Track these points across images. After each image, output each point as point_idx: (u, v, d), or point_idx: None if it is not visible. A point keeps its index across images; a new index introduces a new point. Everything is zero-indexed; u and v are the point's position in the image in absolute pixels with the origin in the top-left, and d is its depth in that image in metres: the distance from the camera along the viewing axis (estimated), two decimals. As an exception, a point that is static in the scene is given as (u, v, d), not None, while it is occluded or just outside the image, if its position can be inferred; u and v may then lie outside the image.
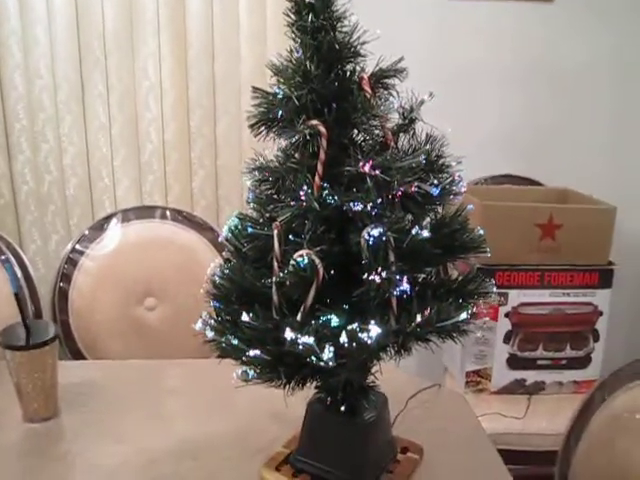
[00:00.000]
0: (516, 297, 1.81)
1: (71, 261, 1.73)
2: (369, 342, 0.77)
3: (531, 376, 1.88)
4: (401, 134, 0.93)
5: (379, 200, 0.79)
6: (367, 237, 0.78)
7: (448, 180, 0.87)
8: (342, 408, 0.98)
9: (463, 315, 0.82)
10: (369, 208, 0.79)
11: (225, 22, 1.98)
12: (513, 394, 1.87)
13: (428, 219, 0.86)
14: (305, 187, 0.82)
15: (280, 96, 0.85)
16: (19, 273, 1.64)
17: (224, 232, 0.93)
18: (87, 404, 1.28)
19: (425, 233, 0.83)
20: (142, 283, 1.76)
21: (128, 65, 1.98)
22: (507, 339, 1.84)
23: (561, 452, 1.27)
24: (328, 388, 0.98)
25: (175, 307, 1.77)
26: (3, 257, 1.64)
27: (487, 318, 1.81)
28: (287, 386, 0.87)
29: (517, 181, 2.22)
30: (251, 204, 0.93)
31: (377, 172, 0.79)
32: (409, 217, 0.84)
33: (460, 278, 0.92)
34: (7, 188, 2.03)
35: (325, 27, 0.85)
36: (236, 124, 2.07)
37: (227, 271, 0.90)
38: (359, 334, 0.78)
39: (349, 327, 0.79)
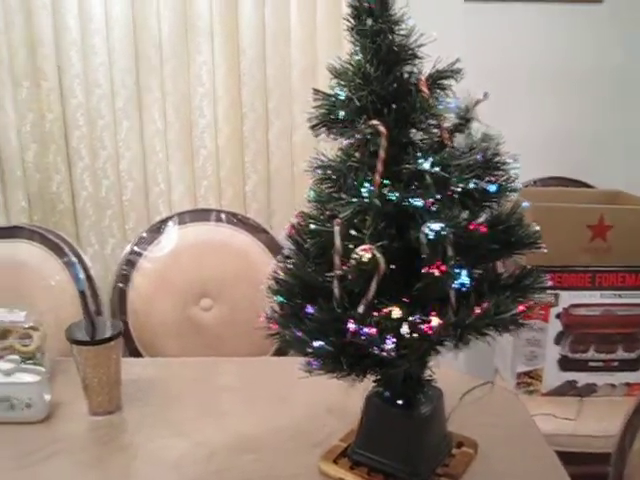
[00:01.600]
0: (567, 298, 1.81)
1: (130, 262, 1.79)
2: (429, 333, 0.79)
3: (582, 378, 1.87)
4: (457, 133, 0.95)
5: (438, 196, 0.82)
6: (427, 232, 0.81)
7: (504, 177, 0.89)
8: (400, 401, 1.01)
9: (520, 308, 0.84)
10: (429, 204, 0.82)
11: (276, 29, 2.03)
12: (564, 396, 1.87)
13: (485, 215, 0.89)
14: (367, 184, 0.85)
15: (342, 97, 0.88)
16: (82, 275, 1.70)
17: (286, 229, 0.96)
18: (147, 399, 1.33)
19: (482, 229, 0.86)
20: (198, 284, 1.81)
21: (183, 72, 2.04)
22: (558, 340, 1.84)
23: (615, 451, 1.27)
24: (387, 381, 1.01)
25: (230, 307, 1.82)
26: (66, 259, 1.71)
27: (539, 320, 1.81)
28: (348, 377, 0.90)
29: (567, 183, 2.21)
30: (312, 202, 0.97)
31: (436, 169, 0.82)
32: (466, 213, 0.87)
33: (517, 273, 0.94)
34: (67, 194, 2.11)
35: (384, 30, 0.88)
36: (287, 129, 2.11)
37: (290, 266, 0.93)
38: (420, 325, 0.80)
39: (410, 319, 0.81)
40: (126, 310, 1.79)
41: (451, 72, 0.92)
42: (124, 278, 1.79)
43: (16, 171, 2.07)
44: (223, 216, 1.85)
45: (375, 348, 0.81)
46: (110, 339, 1.25)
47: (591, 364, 1.87)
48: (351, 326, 0.83)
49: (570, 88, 2.23)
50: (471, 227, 0.86)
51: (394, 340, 0.80)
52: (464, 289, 0.83)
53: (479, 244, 0.86)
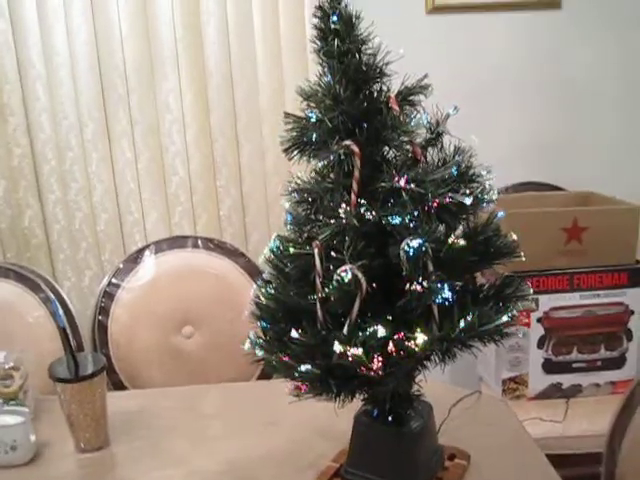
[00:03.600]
0: (547, 302, 1.83)
1: (108, 295, 1.78)
2: (416, 350, 0.80)
3: (567, 380, 1.89)
4: (430, 148, 0.96)
5: (415, 212, 0.82)
6: (407, 249, 0.81)
7: (479, 189, 0.90)
8: (389, 418, 1.01)
9: (504, 318, 0.84)
10: (407, 221, 0.82)
11: (242, 52, 2.03)
12: (550, 399, 1.88)
13: (462, 228, 0.89)
14: (343, 205, 0.85)
15: (313, 119, 0.88)
16: (60, 311, 1.68)
17: (265, 254, 0.96)
18: (134, 432, 1.31)
19: (461, 242, 0.86)
20: (179, 312, 1.80)
21: (150, 101, 2.04)
22: (541, 344, 1.85)
23: (606, 451, 1.27)
24: (375, 399, 1.01)
25: (212, 333, 1.81)
26: (42, 295, 1.69)
27: (520, 325, 1.82)
28: (337, 399, 0.89)
29: (539, 188, 2.24)
30: (289, 226, 0.97)
31: (412, 186, 0.82)
32: (444, 227, 0.87)
33: (497, 283, 0.95)
34: (40, 228, 2.09)
35: (351, 50, 0.89)
36: (259, 151, 2.11)
37: (272, 291, 0.93)
38: (405, 342, 0.80)
39: (395, 336, 0.81)
40: (107, 343, 1.77)
41: (420, 88, 0.92)
42: (103, 311, 1.77)
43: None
44: (200, 242, 1.85)
45: (362, 368, 0.81)
46: (94, 374, 1.23)
47: (575, 365, 1.88)
48: (337, 348, 0.82)
49: (535, 94, 2.26)
50: (449, 241, 0.86)
51: (381, 359, 0.80)
52: (447, 303, 0.83)
53: (458, 257, 0.87)
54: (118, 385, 1.77)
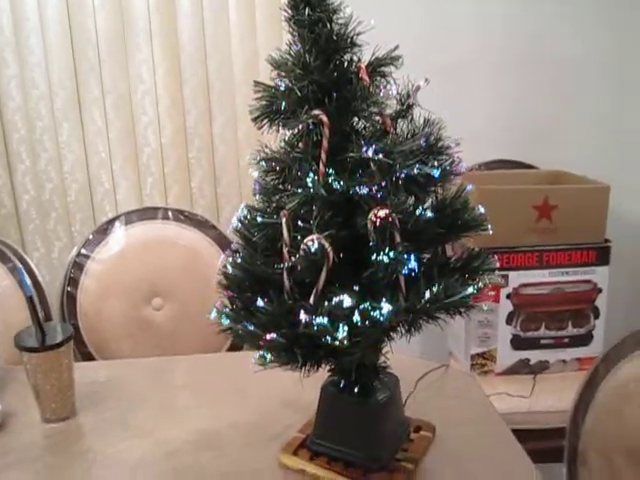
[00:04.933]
0: (516, 278, 1.85)
1: (78, 265, 1.76)
2: (381, 320, 0.80)
3: (535, 356, 1.91)
4: (400, 120, 0.96)
5: (383, 183, 0.82)
6: (374, 219, 0.81)
7: (448, 162, 0.90)
8: (356, 390, 1.01)
9: (470, 290, 0.85)
10: (374, 191, 0.82)
11: (216, 23, 2.01)
12: (518, 374, 1.91)
13: (430, 200, 0.89)
14: (311, 174, 0.85)
15: (282, 88, 0.88)
16: (28, 281, 1.66)
17: (233, 223, 0.96)
18: (102, 402, 1.31)
19: (428, 213, 0.87)
20: (148, 283, 1.79)
21: (122, 70, 2.01)
22: (510, 320, 1.87)
23: (569, 425, 1.29)
24: (341, 370, 1.01)
25: (181, 305, 1.80)
26: (10, 264, 1.67)
27: (490, 301, 1.84)
28: (303, 368, 0.90)
29: (511, 166, 2.25)
30: (257, 195, 0.96)
31: (380, 156, 0.82)
32: (412, 199, 0.87)
33: (464, 256, 0.95)
34: (9, 198, 2.06)
35: (322, 20, 0.88)
36: (232, 122, 2.09)
37: (239, 260, 0.93)
38: (371, 312, 0.81)
39: (361, 306, 0.82)
40: (76, 314, 1.75)
41: (391, 59, 0.92)
42: (72, 282, 1.76)
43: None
44: (170, 214, 1.83)
45: (328, 338, 0.81)
46: (60, 344, 1.22)
47: (543, 342, 1.91)
48: (303, 317, 0.82)
49: (513, 72, 2.26)
50: (417, 212, 0.86)
51: (346, 329, 0.80)
52: (413, 274, 0.83)
53: (426, 229, 0.87)
54: (87, 356, 1.76)
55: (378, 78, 0.93)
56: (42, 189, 2.06)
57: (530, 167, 2.27)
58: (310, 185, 0.85)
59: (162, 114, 2.05)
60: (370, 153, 0.82)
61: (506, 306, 1.86)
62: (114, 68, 1.99)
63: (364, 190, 0.82)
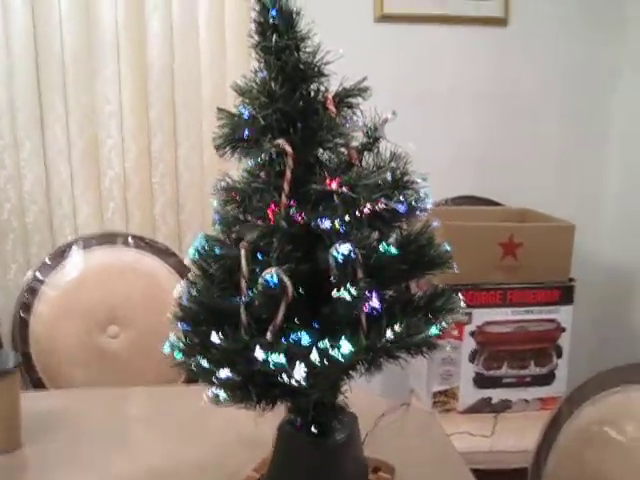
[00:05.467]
0: (480, 316, 1.83)
1: (31, 290, 1.70)
2: (340, 359, 0.77)
3: (497, 394, 1.89)
4: (366, 152, 0.94)
5: (346, 217, 0.79)
6: (335, 254, 0.78)
7: (414, 197, 0.88)
8: (313, 429, 0.97)
9: (433, 330, 0.82)
10: (337, 225, 0.79)
11: (184, 44, 1.99)
12: (480, 413, 1.88)
13: (394, 236, 0.87)
14: (272, 206, 0.82)
15: (245, 116, 0.85)
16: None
17: (190, 253, 0.92)
18: (51, 434, 1.25)
19: (392, 249, 0.84)
20: (105, 310, 1.73)
21: (88, 89, 1.97)
22: (472, 358, 1.85)
23: (531, 467, 1.27)
24: (299, 408, 0.97)
25: (138, 334, 1.74)
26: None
27: (452, 339, 1.82)
28: (258, 407, 0.86)
29: (477, 202, 2.25)
30: (217, 225, 0.93)
31: (344, 189, 0.80)
32: (376, 234, 0.85)
33: (428, 293, 0.93)
34: (-35, 215, 2.00)
35: (289, 47, 0.85)
36: (197, 148, 2.06)
37: (195, 293, 0.89)
38: (330, 351, 0.77)
39: (320, 345, 0.78)
40: (28, 340, 1.69)
41: (358, 90, 0.90)
42: (25, 307, 1.69)
43: None
44: (130, 240, 1.78)
45: (285, 377, 0.78)
46: (5, 373, 1.17)
47: (505, 380, 1.89)
48: (259, 354, 0.79)
49: (480, 107, 2.28)
50: (381, 248, 0.84)
51: (304, 368, 0.77)
52: (375, 312, 0.80)
53: (390, 265, 0.84)
54: (38, 383, 1.69)
55: (345, 109, 0.91)
56: (0, 209, 2.00)
57: (497, 204, 2.27)
58: (271, 216, 0.81)
59: (127, 136, 2.01)
60: (334, 186, 0.79)
61: (469, 344, 1.85)
62: (79, 86, 1.95)
63: (326, 223, 0.79)
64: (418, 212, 0.87)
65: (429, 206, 0.89)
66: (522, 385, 1.90)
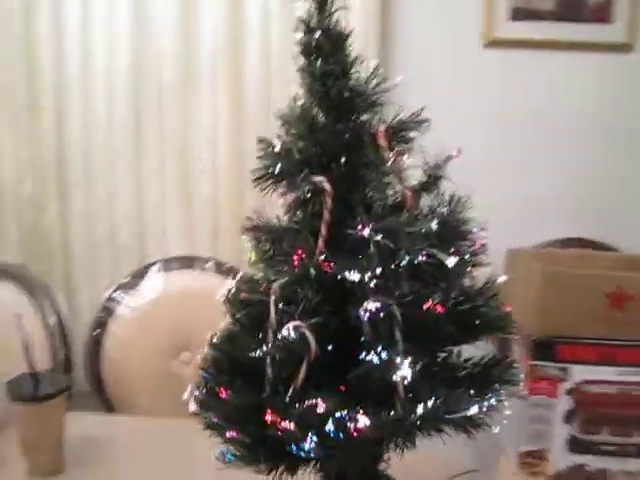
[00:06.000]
0: (578, 373, 1.64)
1: (107, 310, 1.69)
2: (357, 434, 0.66)
3: (594, 462, 1.68)
4: (425, 194, 0.83)
5: (379, 269, 0.69)
6: (363, 312, 0.68)
7: (469, 249, 0.76)
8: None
9: (474, 408, 0.69)
10: (367, 279, 0.69)
11: (281, 74, 1.94)
12: (573, 481, 1.69)
13: (440, 292, 0.75)
14: (300, 251, 0.73)
15: (277, 149, 0.76)
16: (52, 320, 1.61)
17: (223, 293, 0.85)
18: (97, 460, 1.22)
19: (438, 308, 0.73)
20: (179, 335, 1.69)
21: (183, 117, 1.96)
22: (567, 419, 1.66)
23: None
24: (328, 476, 0.87)
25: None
26: (39, 302, 1.62)
27: (544, 395, 1.64)
28: (273, 473, 0.76)
29: (586, 245, 2.05)
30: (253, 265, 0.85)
31: (379, 237, 0.69)
32: (418, 290, 0.73)
33: (484, 361, 0.80)
34: (59, 231, 2.03)
35: (334, 72, 0.76)
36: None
37: (218, 340, 0.81)
38: (348, 424, 0.67)
39: (338, 415, 0.68)
40: (100, 360, 1.68)
41: (415, 123, 0.80)
42: (100, 326, 1.68)
43: (10, 206, 2.00)
44: (211, 264, 1.74)
45: (294, 446, 0.68)
46: (52, 396, 1.15)
47: (604, 447, 1.68)
48: (269, 418, 0.70)
49: (597, 142, 2.08)
50: (424, 307, 0.72)
51: (315, 439, 0.67)
52: (406, 382, 0.69)
53: (433, 327, 0.73)
54: (106, 403, 1.67)
55: (401, 144, 0.81)
56: (94, 227, 2.03)
57: (608, 249, 2.06)
58: (296, 263, 0.72)
59: (219, 163, 1.98)
60: (366, 232, 0.69)
61: (565, 403, 1.66)
62: (175, 113, 1.95)
63: (354, 276, 0.69)
64: (470, 267, 0.75)
65: (485, 261, 0.77)
66: (624, 455, 1.68)
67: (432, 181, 0.83)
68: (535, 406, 1.67)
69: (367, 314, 0.68)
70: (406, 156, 0.81)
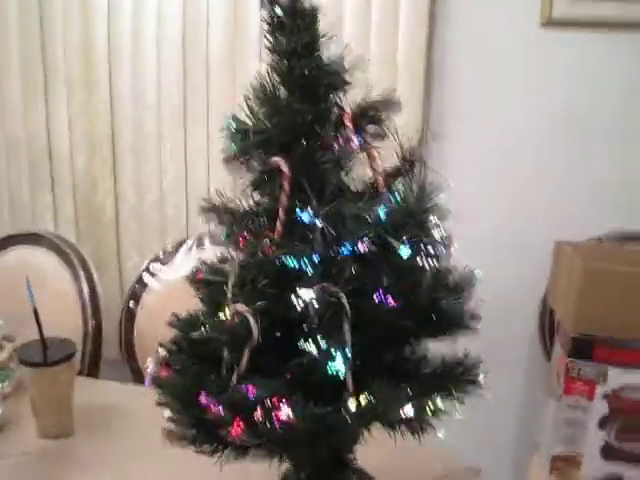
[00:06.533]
0: (617, 377, 1.55)
1: (142, 282, 1.72)
2: (280, 424, 0.64)
3: (630, 473, 1.60)
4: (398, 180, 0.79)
5: (314, 255, 0.66)
6: (296, 298, 0.66)
7: (429, 240, 0.72)
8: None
9: (407, 409, 0.65)
10: (303, 265, 0.66)
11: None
12: (606, 490, 1.60)
13: (394, 284, 0.71)
14: (247, 234, 0.71)
15: (235, 128, 0.74)
16: (86, 289, 1.65)
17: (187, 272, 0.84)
18: (110, 428, 1.26)
19: (390, 301, 0.69)
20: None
21: (229, 90, 1.96)
22: (603, 425, 1.58)
23: None
24: (295, 462, 0.85)
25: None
26: (73, 271, 1.67)
27: (580, 396, 1.56)
28: (220, 455, 0.75)
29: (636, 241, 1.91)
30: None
31: (319, 222, 0.66)
32: (368, 279, 0.70)
33: (447, 358, 0.76)
34: (111, 204, 2.08)
35: (295, 50, 0.73)
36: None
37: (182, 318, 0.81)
38: (274, 412, 0.65)
39: (267, 402, 0.66)
40: (133, 330, 1.72)
41: (382, 104, 0.76)
42: (134, 297, 1.72)
43: (66, 179, 2.07)
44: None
45: (222, 430, 0.67)
46: (59, 361, 1.19)
47: (642, 458, 1.59)
48: (202, 399, 0.68)
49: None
50: (375, 297, 0.69)
51: (241, 424, 0.65)
52: (339, 375, 0.66)
53: (383, 320, 0.70)
54: (136, 375, 1.71)
55: (369, 125, 0.77)
56: (143, 200, 2.06)
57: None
58: (242, 246, 0.71)
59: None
60: (306, 217, 0.66)
61: (600, 407, 1.57)
62: (221, 86, 1.95)
63: (291, 262, 0.66)
64: (428, 258, 0.71)
65: (447, 252, 0.73)
66: (663, 467, 1.58)
67: (407, 166, 0.79)
68: (570, 408, 1.60)
69: (301, 301, 0.65)
70: (377, 139, 0.77)
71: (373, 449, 0.85)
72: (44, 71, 2.00)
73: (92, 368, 1.64)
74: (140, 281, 1.73)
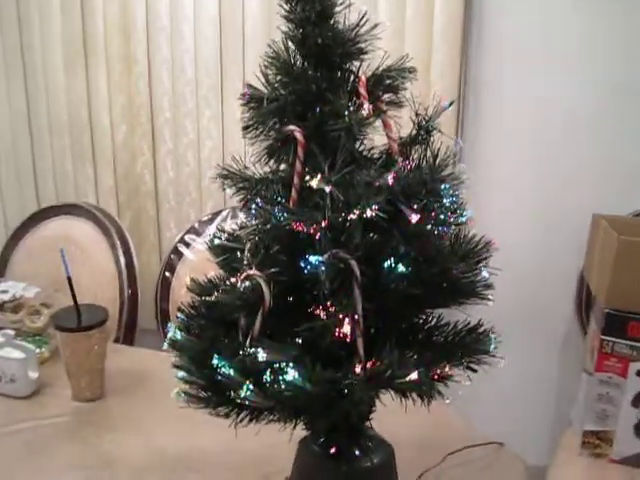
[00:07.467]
0: (653, 354, 1.53)
1: (177, 252, 1.76)
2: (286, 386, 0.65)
3: (663, 451, 1.58)
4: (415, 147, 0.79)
5: (324, 222, 0.67)
6: (309, 264, 0.67)
7: (443, 207, 0.72)
8: (332, 451, 0.86)
9: (413, 375, 0.66)
10: (312, 231, 0.67)
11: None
12: (638, 468, 1.58)
13: (404, 251, 0.71)
14: (258, 199, 0.72)
15: (247, 97, 0.75)
16: (122, 259, 1.69)
17: (207, 240, 0.86)
18: (139, 392, 1.31)
19: (400, 268, 0.70)
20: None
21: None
22: (636, 402, 1.56)
23: None
24: (313, 426, 0.86)
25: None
26: (111, 241, 1.71)
27: (612, 374, 1.54)
28: (231, 417, 0.77)
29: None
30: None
31: (327, 188, 0.67)
32: (377, 246, 0.71)
33: (460, 327, 0.77)
34: (150, 175, 2.12)
35: (309, 18, 0.73)
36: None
37: (203, 282, 0.83)
38: (280, 376, 0.66)
39: (276, 365, 0.67)
40: (169, 299, 1.75)
41: (398, 72, 0.75)
42: (170, 266, 1.76)
43: (107, 152, 2.11)
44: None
45: (232, 393, 0.68)
46: (91, 327, 1.23)
47: (675, 437, 1.56)
48: (214, 362, 0.70)
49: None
50: (386, 265, 0.70)
51: (251, 387, 0.67)
52: (347, 340, 0.67)
53: (396, 288, 0.70)
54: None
55: (386, 94, 0.77)
56: (181, 171, 2.10)
57: None
58: (254, 212, 0.72)
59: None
60: (314, 183, 0.67)
61: (635, 384, 1.55)
62: (257, 59, 1.95)
63: (300, 227, 0.67)
64: (441, 227, 0.71)
65: (463, 220, 0.72)
66: (698, 447, 1.56)
67: (422, 134, 0.78)
68: (603, 384, 1.58)
69: (310, 266, 0.66)
70: (393, 107, 0.77)
71: (393, 419, 0.86)
72: (84, 48, 2.04)
73: (128, 336, 1.68)
74: (176, 251, 1.76)
